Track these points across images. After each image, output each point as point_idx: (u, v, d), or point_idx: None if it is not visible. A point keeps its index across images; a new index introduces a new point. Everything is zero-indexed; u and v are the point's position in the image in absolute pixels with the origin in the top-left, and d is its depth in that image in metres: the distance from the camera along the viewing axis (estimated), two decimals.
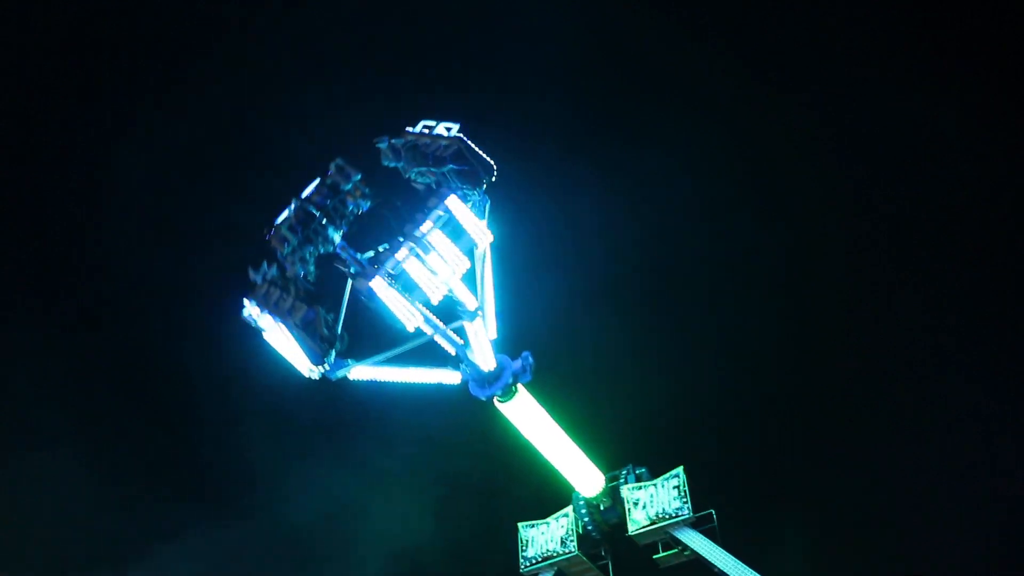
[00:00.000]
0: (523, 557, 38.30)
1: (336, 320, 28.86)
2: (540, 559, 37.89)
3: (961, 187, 54.18)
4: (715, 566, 34.10)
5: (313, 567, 54.36)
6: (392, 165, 30.41)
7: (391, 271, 27.69)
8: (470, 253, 29.25)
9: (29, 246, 61.40)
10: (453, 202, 28.72)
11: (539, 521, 38.76)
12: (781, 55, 60.05)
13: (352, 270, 28.60)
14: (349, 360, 29.44)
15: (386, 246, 28.88)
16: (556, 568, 37.67)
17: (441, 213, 28.50)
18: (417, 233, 28.00)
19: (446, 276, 28.35)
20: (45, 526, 52.12)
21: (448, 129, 29.60)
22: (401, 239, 28.05)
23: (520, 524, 39.07)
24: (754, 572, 33.14)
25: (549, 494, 38.64)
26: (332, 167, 29.82)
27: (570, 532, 37.71)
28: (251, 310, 28.72)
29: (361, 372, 30.12)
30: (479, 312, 30.08)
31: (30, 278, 61.22)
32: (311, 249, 29.30)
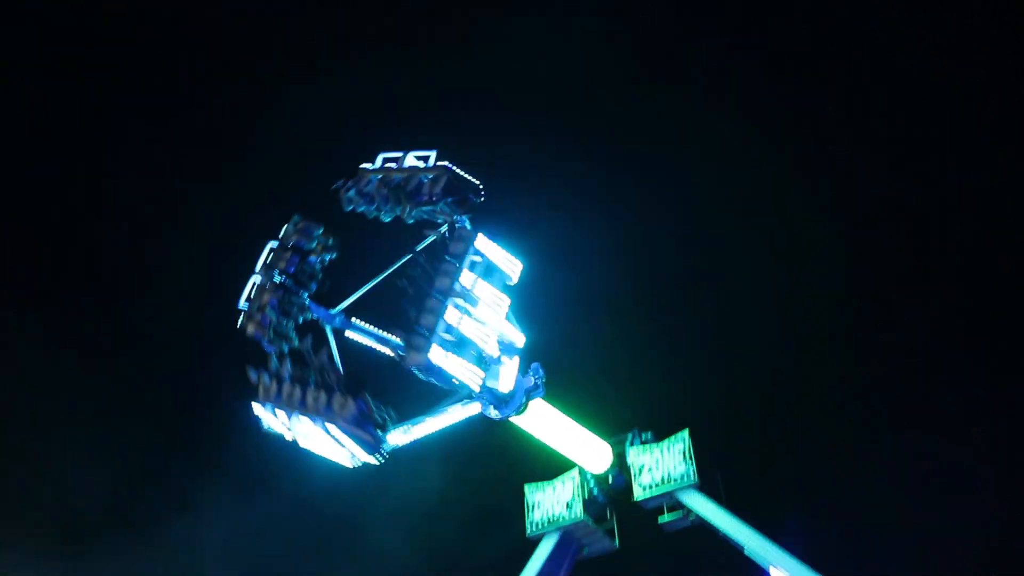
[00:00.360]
0: (529, 521, 38.49)
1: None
2: (546, 522, 38.04)
3: (967, 185, 54.13)
4: (719, 529, 34.28)
5: (327, 542, 54.89)
6: (360, 210, 28.29)
7: (445, 335, 25.96)
8: (504, 288, 28.05)
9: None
10: (483, 242, 27.34)
11: (545, 483, 38.86)
12: (783, 56, 59.86)
13: (400, 349, 26.63)
14: (382, 434, 27.24)
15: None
16: (561, 530, 37.82)
17: (478, 259, 27.21)
18: (458, 287, 26.47)
19: (495, 323, 27.02)
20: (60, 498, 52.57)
21: (423, 159, 27.73)
22: (442, 297, 26.33)
23: (526, 486, 39.25)
24: (759, 534, 33.30)
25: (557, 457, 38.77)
26: (289, 227, 27.84)
27: (576, 496, 37.82)
28: (272, 420, 26.61)
29: (396, 439, 28.10)
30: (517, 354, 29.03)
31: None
32: (287, 322, 27.30)
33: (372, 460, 26.98)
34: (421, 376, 26.41)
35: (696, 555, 38.30)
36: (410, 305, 26.77)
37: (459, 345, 26.30)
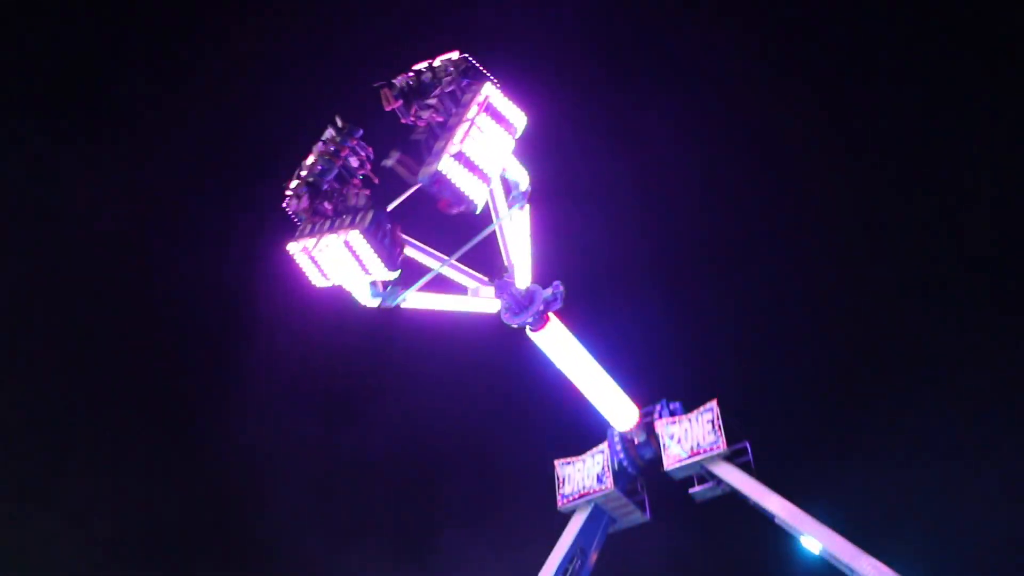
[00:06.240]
0: (560, 494, 38.64)
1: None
2: (577, 495, 38.16)
3: None
4: (750, 498, 34.23)
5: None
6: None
7: (454, 156, 26.43)
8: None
9: None
10: (490, 88, 27.96)
11: (575, 458, 38.99)
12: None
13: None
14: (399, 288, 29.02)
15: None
16: (593, 504, 37.95)
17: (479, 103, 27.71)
18: (468, 116, 27.10)
19: (501, 152, 27.80)
20: None
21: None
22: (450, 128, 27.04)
23: (556, 461, 39.38)
24: (789, 502, 33.22)
25: (582, 431, 38.92)
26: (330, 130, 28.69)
27: (605, 468, 37.88)
28: (304, 262, 27.53)
29: (413, 300, 29.82)
30: (527, 196, 29.89)
31: None
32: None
33: (390, 275, 27.78)
34: (431, 192, 26.74)
35: (727, 524, 38.28)
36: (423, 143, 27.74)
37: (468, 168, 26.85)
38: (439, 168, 26.04)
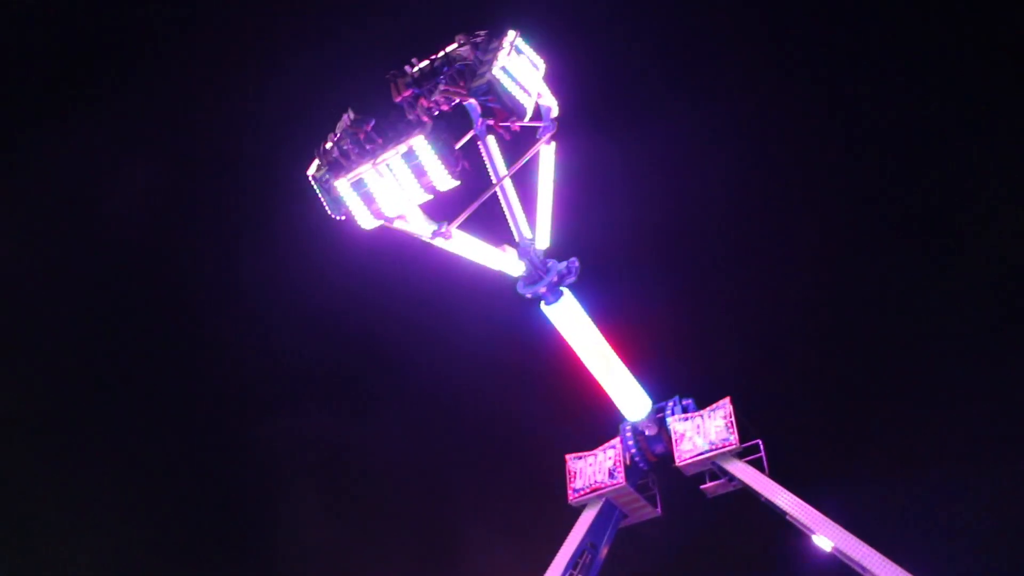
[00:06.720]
0: (571, 488, 38.64)
1: None
2: (588, 490, 38.15)
3: None
4: (762, 495, 34.21)
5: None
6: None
7: (503, 68, 27.51)
8: None
9: None
10: (514, 34, 28.83)
11: (587, 453, 38.98)
12: None
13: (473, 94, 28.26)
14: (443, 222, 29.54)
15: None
16: (604, 499, 37.95)
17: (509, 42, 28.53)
18: (503, 46, 27.98)
19: (536, 79, 28.89)
20: None
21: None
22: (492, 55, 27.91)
23: (568, 456, 39.37)
24: (801, 500, 33.18)
25: (594, 426, 38.92)
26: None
27: (617, 464, 37.85)
28: (348, 182, 27.46)
29: (456, 240, 30.18)
30: (555, 126, 30.62)
31: None
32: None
33: (452, 183, 27.49)
34: (482, 99, 28.43)
35: (738, 521, 38.27)
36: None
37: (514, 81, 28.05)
38: (493, 73, 27.05)
